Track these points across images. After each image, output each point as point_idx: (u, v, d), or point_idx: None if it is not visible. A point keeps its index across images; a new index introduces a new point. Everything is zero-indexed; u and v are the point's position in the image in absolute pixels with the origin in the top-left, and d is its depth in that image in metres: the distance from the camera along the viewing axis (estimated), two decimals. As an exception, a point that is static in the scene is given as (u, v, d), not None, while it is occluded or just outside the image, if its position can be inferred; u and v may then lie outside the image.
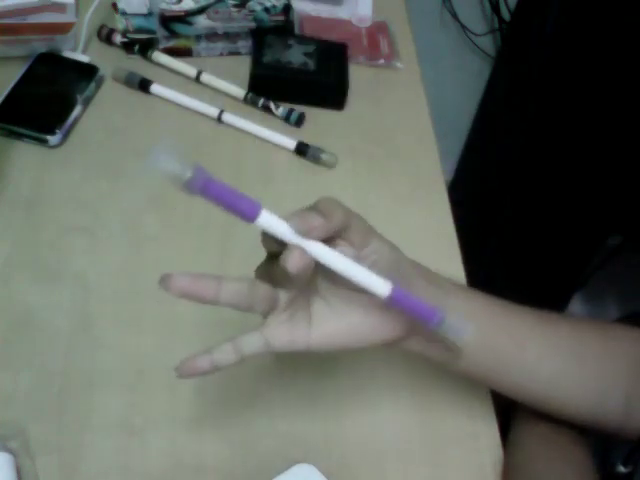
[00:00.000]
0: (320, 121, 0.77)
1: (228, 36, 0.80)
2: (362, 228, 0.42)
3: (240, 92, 0.77)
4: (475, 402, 0.57)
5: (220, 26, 0.78)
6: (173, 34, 0.78)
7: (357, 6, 0.90)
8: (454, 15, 1.52)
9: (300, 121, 0.76)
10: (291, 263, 0.38)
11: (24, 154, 0.67)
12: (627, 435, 0.50)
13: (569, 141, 1.27)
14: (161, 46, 0.79)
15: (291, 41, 0.79)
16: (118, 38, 0.78)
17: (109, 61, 0.77)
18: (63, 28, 0.74)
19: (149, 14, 0.76)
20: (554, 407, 0.51)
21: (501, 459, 0.54)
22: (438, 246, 0.68)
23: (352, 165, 0.74)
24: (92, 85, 0.73)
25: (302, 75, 0.77)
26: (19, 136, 0.68)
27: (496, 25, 1.54)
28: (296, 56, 0.78)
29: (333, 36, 0.83)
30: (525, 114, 1.35)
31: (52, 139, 0.68)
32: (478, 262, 0.73)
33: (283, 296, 0.43)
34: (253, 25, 0.79)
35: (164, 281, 0.39)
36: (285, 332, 0.43)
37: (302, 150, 0.73)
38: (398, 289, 0.40)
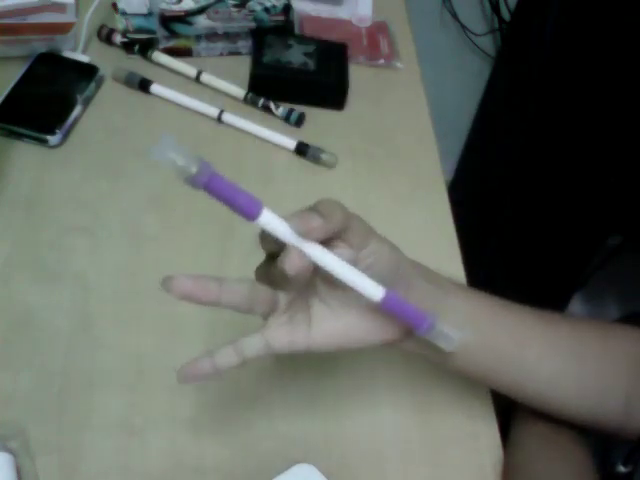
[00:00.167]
0: (320, 121, 0.77)
1: (228, 36, 0.80)
2: (361, 229, 0.42)
3: (240, 92, 0.77)
4: (475, 402, 0.57)
5: (220, 26, 0.78)
6: (173, 34, 0.78)
7: (357, 6, 0.90)
8: (454, 15, 1.53)
9: (300, 121, 0.76)
10: (289, 265, 0.38)
11: (24, 154, 0.67)
12: (627, 435, 0.50)
13: (569, 141, 1.27)
14: (161, 46, 0.79)
15: (291, 41, 0.79)
16: (118, 38, 0.78)
17: (109, 61, 0.77)
18: (63, 28, 0.74)
19: (149, 14, 0.76)
20: (554, 407, 0.51)
21: (501, 459, 0.54)
22: (438, 246, 0.68)
23: (352, 165, 0.74)
24: (92, 85, 0.73)
25: (302, 75, 0.77)
26: (19, 136, 0.68)
27: (496, 25, 1.54)
28: (296, 56, 0.78)
29: (333, 36, 0.83)
30: (525, 114, 1.35)
31: (52, 139, 0.68)
32: (478, 262, 0.73)
33: (283, 298, 0.44)
34: (253, 25, 0.79)
35: (166, 283, 0.39)
36: (285, 333, 0.43)
37: (302, 150, 0.73)
38: (390, 294, 0.40)
